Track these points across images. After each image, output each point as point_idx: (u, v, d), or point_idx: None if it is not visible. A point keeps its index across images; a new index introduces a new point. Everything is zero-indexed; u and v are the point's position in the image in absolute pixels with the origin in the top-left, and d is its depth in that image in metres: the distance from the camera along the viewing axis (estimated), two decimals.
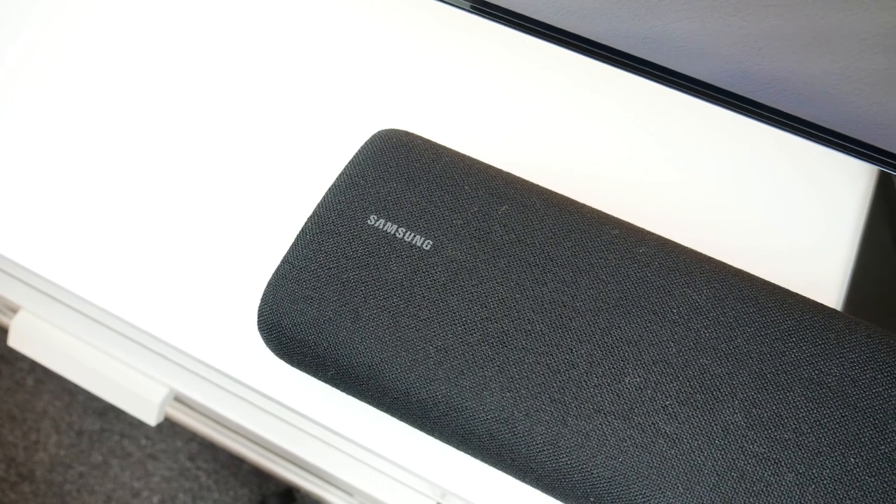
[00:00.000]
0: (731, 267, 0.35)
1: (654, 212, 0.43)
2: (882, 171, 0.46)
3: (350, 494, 0.75)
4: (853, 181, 0.45)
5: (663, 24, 0.35)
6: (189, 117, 0.47)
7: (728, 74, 0.35)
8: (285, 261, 0.35)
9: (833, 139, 0.38)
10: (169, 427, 1.04)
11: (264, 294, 0.35)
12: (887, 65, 0.32)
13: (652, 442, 0.31)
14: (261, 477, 1.02)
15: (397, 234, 0.35)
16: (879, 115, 0.34)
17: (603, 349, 0.32)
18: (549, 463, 0.31)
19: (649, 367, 0.32)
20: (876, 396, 0.32)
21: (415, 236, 0.35)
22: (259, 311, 0.35)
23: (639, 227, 0.36)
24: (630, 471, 0.31)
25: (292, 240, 0.37)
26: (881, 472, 0.30)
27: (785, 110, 0.36)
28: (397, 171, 0.36)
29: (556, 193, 0.37)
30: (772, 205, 0.44)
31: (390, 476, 0.59)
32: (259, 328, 0.35)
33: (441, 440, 0.34)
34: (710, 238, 0.43)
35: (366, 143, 0.38)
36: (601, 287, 0.34)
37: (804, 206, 0.45)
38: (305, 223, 0.36)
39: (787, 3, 0.31)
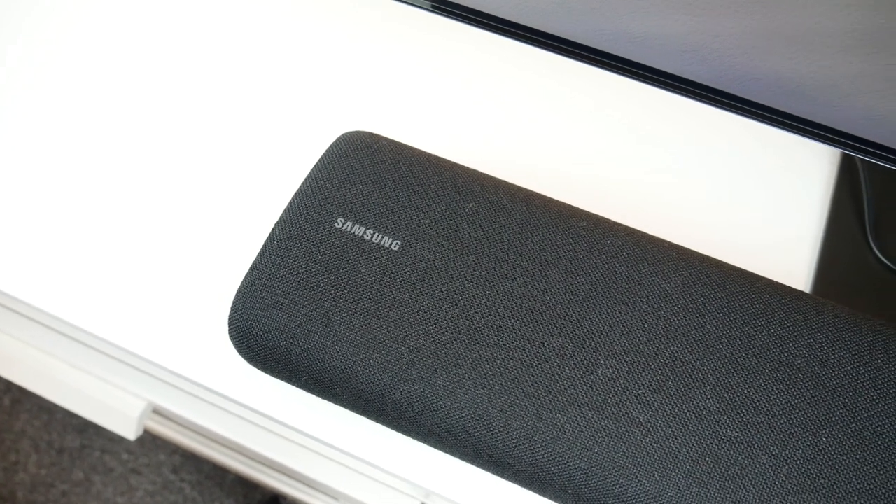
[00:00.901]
0: (698, 254, 0.35)
1: (621, 203, 0.44)
2: (844, 154, 0.46)
3: (335, 499, 0.75)
4: (817, 165, 0.46)
5: (620, 18, 0.35)
6: (153, 128, 0.46)
7: (688, 63, 0.35)
8: (254, 268, 0.35)
9: (793, 123, 0.38)
10: (150, 440, 1.03)
11: (234, 302, 0.34)
12: (839, 47, 0.32)
13: (626, 431, 0.31)
14: (246, 486, 1.02)
15: (365, 236, 0.35)
16: (834, 97, 0.35)
17: (574, 341, 0.32)
18: (525, 457, 0.31)
19: (621, 357, 0.32)
20: (845, 376, 0.32)
21: (383, 237, 0.35)
22: (229, 319, 0.35)
23: (606, 219, 0.36)
24: (606, 461, 0.31)
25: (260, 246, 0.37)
26: (852, 449, 0.31)
27: (743, 96, 0.37)
28: (363, 173, 0.36)
29: (522, 188, 0.37)
30: (738, 191, 0.45)
31: (373, 478, 0.59)
32: (230, 337, 0.35)
33: (418, 440, 0.34)
34: (678, 227, 0.43)
35: (331, 146, 0.38)
36: (570, 280, 0.34)
37: (770, 192, 0.45)
38: (272, 229, 0.35)
39: None
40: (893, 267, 0.42)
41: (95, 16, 0.50)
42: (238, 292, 0.34)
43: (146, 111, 0.47)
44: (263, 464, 0.77)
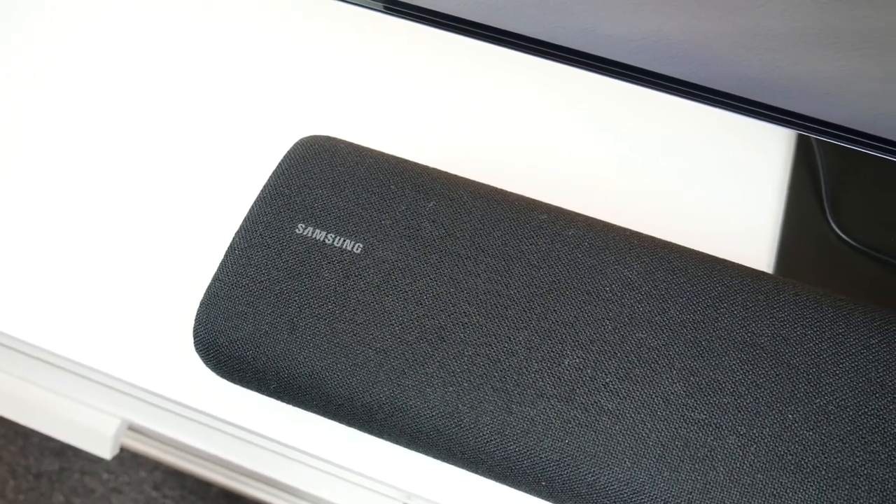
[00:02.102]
0: (660, 240, 0.36)
1: (582, 194, 0.44)
2: (800, 135, 0.47)
3: None
4: (774, 147, 0.47)
5: (565, 8, 0.35)
6: (109, 143, 0.46)
7: (637, 52, 0.36)
8: (216, 278, 0.34)
9: (746, 106, 0.38)
10: (130, 458, 1.02)
11: (198, 314, 0.34)
12: (784, 28, 0.33)
13: (596, 420, 0.31)
14: (230, 499, 1.01)
15: (327, 241, 0.35)
16: (783, 79, 0.35)
17: (540, 334, 0.33)
18: (497, 452, 0.31)
19: (587, 347, 0.32)
20: (807, 352, 0.32)
21: (344, 241, 0.35)
22: (194, 331, 0.34)
23: (567, 210, 0.36)
24: (577, 451, 0.31)
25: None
26: (818, 424, 0.31)
27: (694, 81, 0.37)
28: (321, 178, 0.36)
29: (482, 184, 0.37)
30: (696, 177, 0.45)
31: (356, 483, 0.58)
32: (196, 348, 0.34)
33: (391, 441, 0.34)
34: (640, 215, 0.44)
35: (288, 151, 0.38)
36: (534, 273, 0.34)
37: (728, 176, 0.45)
38: (233, 238, 0.35)
39: None
40: (852, 242, 0.43)
41: (31, 32, 0.50)
42: (201, 304, 0.34)
43: (99, 124, 0.46)
44: (246, 475, 0.77)
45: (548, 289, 0.34)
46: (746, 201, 0.45)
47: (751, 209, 0.45)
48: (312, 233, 0.35)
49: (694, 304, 0.33)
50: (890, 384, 0.32)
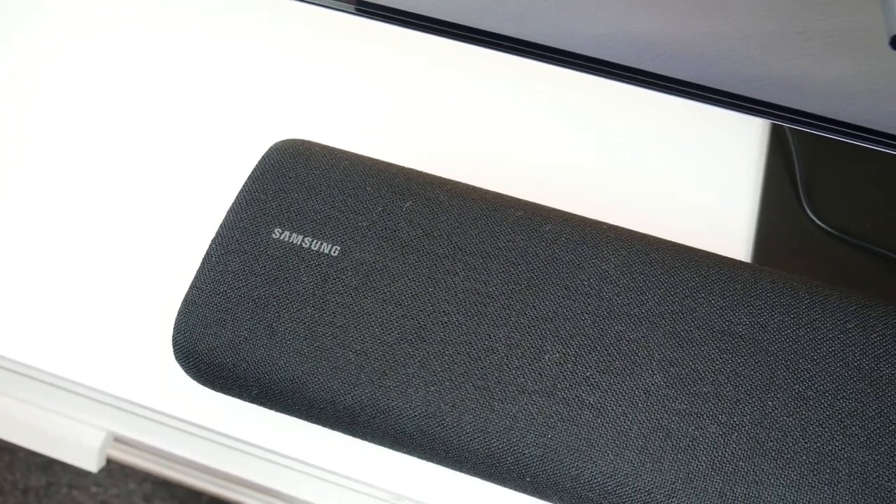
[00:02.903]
0: (636, 233, 0.36)
1: (559, 189, 0.44)
2: (773, 124, 0.47)
3: None
4: (747, 136, 0.47)
5: (534, 4, 0.35)
6: (80, 152, 0.45)
7: (608, 46, 0.36)
8: (193, 286, 0.34)
9: (718, 97, 0.39)
10: (118, 470, 1.01)
11: (176, 322, 0.34)
12: (752, 20, 0.33)
13: (578, 414, 0.31)
14: None
15: (304, 245, 0.34)
16: (755, 68, 0.35)
17: (520, 330, 0.33)
18: (481, 450, 0.31)
19: (567, 342, 0.32)
20: (785, 339, 0.33)
21: (321, 244, 0.34)
22: (173, 340, 0.34)
23: (544, 206, 0.36)
24: (560, 445, 0.31)
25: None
26: (797, 410, 0.31)
27: (666, 74, 0.37)
28: (297, 181, 0.36)
29: (458, 183, 0.37)
30: (672, 169, 0.46)
31: (344, 486, 0.58)
32: (176, 357, 0.34)
33: (375, 443, 0.34)
34: (616, 208, 0.44)
35: (263, 156, 0.37)
36: (512, 269, 0.34)
37: (704, 166, 0.46)
38: (210, 245, 0.35)
39: None
40: (827, 228, 0.43)
41: None
42: (179, 312, 0.34)
43: (70, 134, 0.46)
44: (235, 483, 0.76)
45: (526, 285, 0.34)
46: (723, 191, 0.45)
47: (727, 199, 0.45)
48: (289, 237, 0.35)
49: (672, 295, 0.33)
50: (867, 367, 0.32)
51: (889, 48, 0.31)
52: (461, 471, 0.33)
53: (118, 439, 0.66)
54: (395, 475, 0.38)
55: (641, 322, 0.33)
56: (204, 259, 0.35)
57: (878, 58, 0.33)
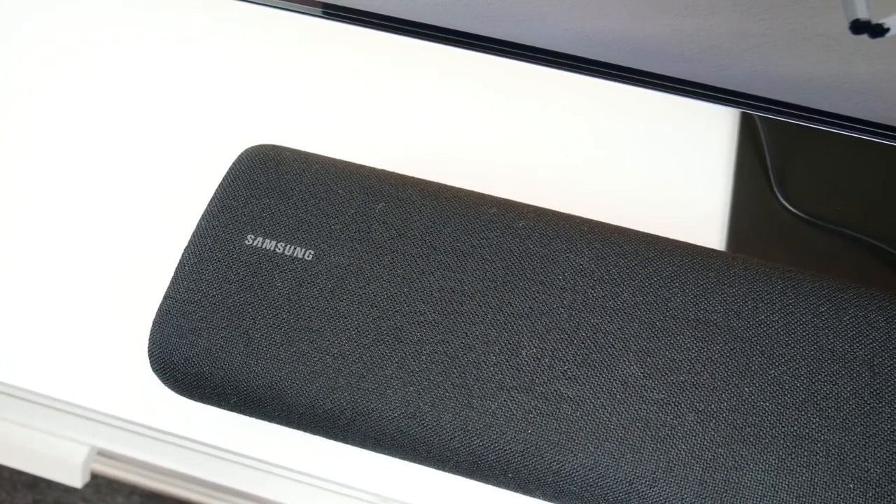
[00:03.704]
0: (610, 225, 0.36)
1: (531, 185, 0.44)
2: (743, 113, 0.47)
3: None
4: (718, 126, 0.47)
5: (499, 1, 0.35)
6: (46, 163, 0.45)
7: (570, 40, 0.36)
8: (167, 296, 0.34)
9: (687, 88, 0.39)
10: (106, 485, 1.00)
11: (151, 333, 0.34)
12: (712, 8, 0.33)
13: (557, 408, 0.31)
14: None
15: (277, 250, 0.34)
16: (720, 58, 0.36)
17: (497, 327, 0.33)
18: (462, 448, 0.31)
19: (543, 336, 0.32)
20: (759, 325, 0.33)
21: (295, 249, 0.34)
22: (149, 351, 0.34)
23: (517, 202, 0.37)
24: (541, 440, 0.31)
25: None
26: (774, 395, 0.32)
27: (632, 66, 0.37)
28: (268, 187, 0.36)
29: (431, 182, 0.37)
30: (645, 161, 0.46)
31: (331, 491, 0.58)
32: (152, 368, 0.34)
33: (357, 446, 0.34)
34: (590, 202, 0.44)
35: (234, 163, 0.37)
36: (487, 267, 0.34)
37: (676, 157, 0.46)
38: (182, 254, 0.35)
39: None
40: (799, 214, 0.43)
41: None
42: (154, 322, 0.34)
43: (34, 144, 0.45)
44: (223, 492, 0.76)
45: (501, 282, 0.34)
46: (696, 181, 0.45)
47: (700, 189, 0.45)
48: (262, 243, 0.35)
49: (646, 286, 0.34)
50: (840, 350, 0.32)
51: (849, 33, 0.32)
52: (444, 470, 0.33)
53: (102, 453, 0.66)
54: (381, 478, 0.37)
55: (617, 314, 0.33)
56: (177, 268, 0.35)
57: (839, 43, 0.33)
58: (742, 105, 0.41)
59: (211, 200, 0.36)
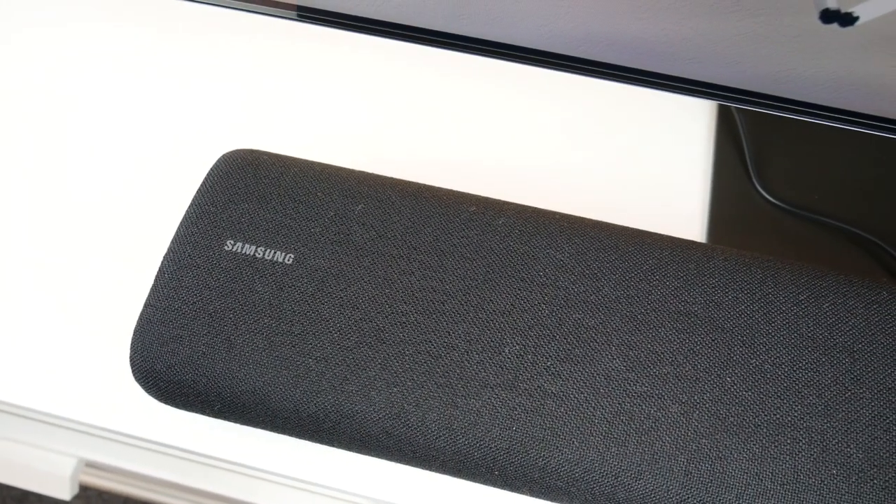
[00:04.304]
0: (589, 220, 0.36)
1: (510, 182, 0.44)
2: (720, 105, 0.48)
3: None
4: (696, 119, 0.47)
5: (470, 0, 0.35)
6: (22, 171, 0.44)
7: (544, 36, 0.36)
8: (147, 304, 0.34)
9: (664, 81, 0.39)
10: (96, 496, 1.00)
11: (132, 342, 0.34)
12: (683, 2, 0.33)
13: (541, 405, 0.31)
14: None
15: (257, 255, 0.34)
16: (692, 50, 0.36)
17: (479, 325, 0.33)
18: (448, 447, 0.31)
19: (526, 333, 0.33)
20: (740, 315, 0.33)
21: (275, 253, 0.34)
22: (131, 359, 0.34)
23: (496, 200, 0.37)
24: (526, 437, 0.31)
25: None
26: (756, 384, 0.32)
27: (606, 61, 0.38)
28: (246, 191, 0.36)
29: (410, 183, 0.37)
30: (625, 155, 0.46)
31: (322, 495, 0.58)
32: (135, 377, 0.34)
33: (343, 448, 0.34)
34: (571, 198, 0.44)
35: (211, 168, 0.37)
36: (467, 265, 0.34)
37: (656, 151, 0.46)
38: (162, 262, 0.35)
39: None
40: (778, 203, 0.44)
41: None
42: (135, 331, 0.34)
43: (12, 152, 0.45)
44: (214, 499, 0.76)
45: (483, 280, 0.34)
46: (675, 174, 0.46)
47: (680, 181, 0.45)
48: (242, 248, 0.34)
49: (627, 280, 0.34)
50: (820, 337, 0.33)
51: (819, 22, 0.32)
52: (430, 469, 0.33)
53: (90, 465, 0.65)
54: (370, 480, 0.37)
55: (598, 308, 0.33)
56: (157, 276, 0.34)
57: (810, 33, 0.33)
58: (718, 97, 0.41)
59: (189, 207, 0.36)
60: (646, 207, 0.44)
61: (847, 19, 0.32)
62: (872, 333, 0.33)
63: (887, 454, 0.30)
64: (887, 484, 0.30)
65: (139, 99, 0.47)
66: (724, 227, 0.44)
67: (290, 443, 0.38)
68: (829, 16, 0.32)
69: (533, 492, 0.32)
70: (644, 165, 0.46)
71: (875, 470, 0.30)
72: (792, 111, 0.40)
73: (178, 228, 0.35)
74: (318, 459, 0.38)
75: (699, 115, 0.47)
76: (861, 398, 0.32)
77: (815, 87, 0.38)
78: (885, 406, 0.31)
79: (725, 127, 0.47)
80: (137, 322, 0.34)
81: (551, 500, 0.32)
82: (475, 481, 0.33)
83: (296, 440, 0.37)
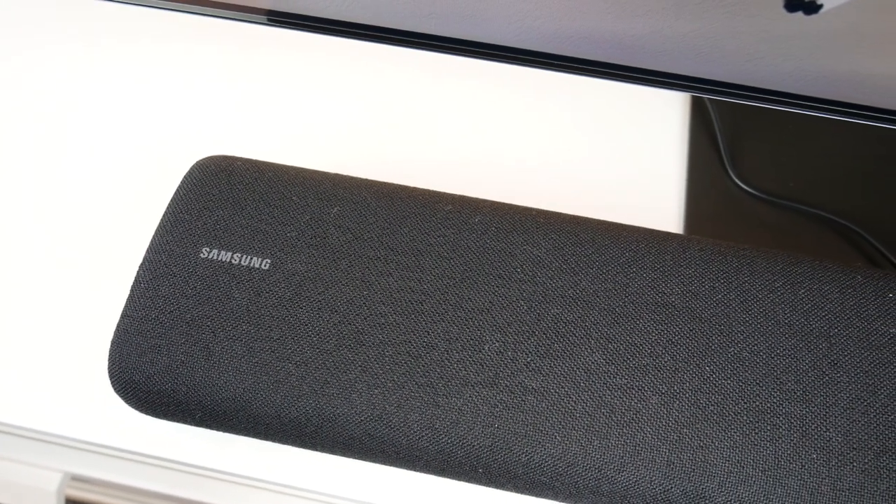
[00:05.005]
0: (566, 215, 0.36)
1: (486, 179, 0.44)
2: (693, 96, 0.48)
3: None
4: (670, 111, 0.48)
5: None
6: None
7: (517, 34, 0.36)
8: (124, 315, 0.34)
9: (635, 75, 0.39)
10: None
11: (110, 354, 0.33)
12: None
13: (522, 400, 0.31)
14: None
15: (233, 261, 0.34)
16: (660, 43, 0.36)
17: (458, 324, 0.33)
18: (431, 447, 0.31)
19: (505, 330, 0.33)
20: (716, 304, 0.33)
21: (251, 259, 0.34)
22: (109, 371, 0.33)
23: (472, 198, 0.37)
24: (508, 434, 0.31)
25: None
26: (734, 372, 0.32)
27: (578, 56, 0.38)
28: (221, 198, 0.36)
29: (386, 183, 0.37)
30: (600, 149, 0.46)
31: (311, 499, 0.58)
32: (114, 388, 0.34)
33: (327, 452, 0.34)
34: (547, 193, 0.44)
35: (185, 176, 0.37)
36: (445, 264, 0.34)
37: (631, 145, 0.46)
38: (138, 272, 0.34)
39: None
40: (753, 192, 0.44)
41: None
42: (112, 343, 0.33)
43: None
44: None
45: (460, 278, 0.34)
46: (651, 167, 0.46)
47: (656, 174, 0.46)
48: (218, 255, 0.34)
49: (604, 273, 0.34)
50: (797, 323, 0.33)
51: (784, 11, 0.32)
52: (414, 470, 0.33)
53: (76, 478, 0.65)
54: (357, 483, 0.37)
55: (577, 302, 0.33)
56: (133, 286, 0.34)
57: (777, 21, 0.34)
58: (689, 89, 0.41)
59: (164, 215, 0.36)
60: (622, 200, 0.44)
61: (811, 7, 0.32)
62: (848, 318, 0.33)
63: (866, 436, 0.31)
64: (866, 466, 0.30)
65: (110, 109, 0.47)
66: (701, 217, 0.44)
67: (275, 449, 0.38)
68: (794, 4, 0.33)
69: (517, 488, 0.32)
70: (619, 159, 0.46)
71: (854, 453, 0.31)
72: (763, 100, 0.41)
73: (153, 237, 0.35)
74: (304, 464, 0.38)
75: (673, 108, 0.48)
76: (838, 382, 0.32)
77: (783, 75, 0.38)
78: (862, 389, 0.32)
79: (699, 118, 0.47)
80: (114, 333, 0.34)
81: (536, 495, 0.32)
82: (460, 480, 0.33)
83: (280, 446, 0.37)
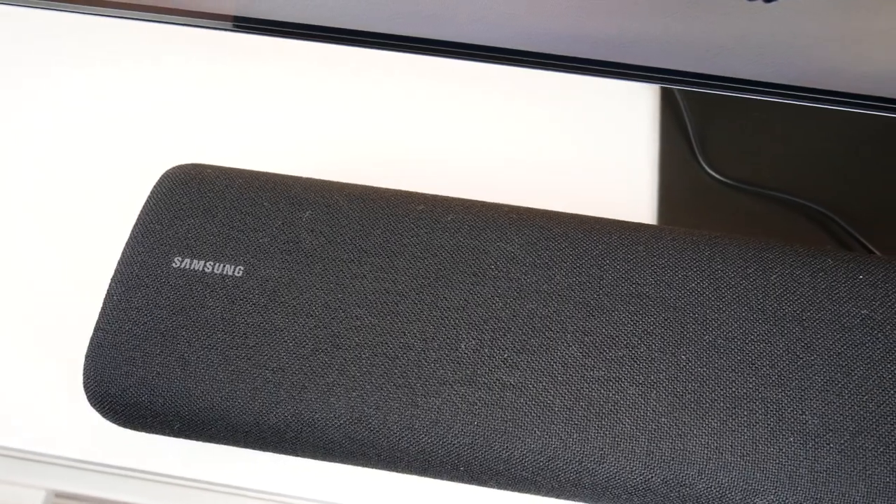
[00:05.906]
0: (538, 210, 0.36)
1: (458, 178, 0.44)
2: (663, 87, 0.48)
3: None
4: (640, 103, 0.48)
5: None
6: None
7: (483, 31, 0.36)
8: (98, 328, 0.33)
9: (603, 68, 0.39)
10: None
11: (85, 367, 0.33)
12: None
13: (500, 397, 0.31)
14: None
15: (206, 269, 0.34)
16: (627, 35, 0.36)
17: (434, 323, 0.33)
18: (411, 447, 0.31)
19: (481, 327, 0.33)
20: (690, 292, 0.34)
21: (224, 266, 0.34)
22: (84, 385, 0.33)
23: (444, 197, 0.37)
24: (488, 431, 0.31)
25: None
26: (710, 359, 0.32)
27: (545, 51, 0.38)
28: (191, 206, 0.35)
29: (357, 186, 0.37)
30: (571, 143, 0.46)
31: None
32: (90, 402, 0.33)
33: (308, 457, 0.33)
34: (520, 189, 0.44)
35: (154, 186, 0.37)
36: (419, 264, 0.34)
37: (602, 138, 0.47)
38: (109, 284, 0.34)
39: None
40: (724, 180, 0.44)
41: None
42: (87, 356, 0.33)
43: None
44: None
45: (434, 277, 0.34)
46: (622, 159, 0.46)
47: (628, 166, 0.46)
48: (190, 264, 0.34)
49: (578, 267, 0.34)
50: (770, 308, 0.33)
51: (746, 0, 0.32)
52: (396, 471, 0.33)
53: (59, 495, 0.64)
54: (340, 487, 0.37)
55: (551, 297, 0.33)
56: (105, 298, 0.34)
57: (737, 9, 0.34)
58: (657, 80, 0.41)
59: (134, 226, 0.35)
60: (596, 194, 0.45)
61: None
62: (820, 301, 0.33)
63: (841, 418, 0.31)
64: (843, 447, 0.31)
65: (76, 121, 0.47)
66: (674, 207, 0.44)
67: (256, 457, 0.38)
68: None
69: (500, 484, 0.32)
70: (591, 152, 0.46)
71: (831, 434, 0.31)
72: (731, 89, 0.41)
73: (124, 249, 0.35)
74: (286, 470, 0.37)
75: (642, 99, 0.48)
76: (813, 365, 0.32)
77: (749, 63, 0.39)
78: (835, 371, 0.32)
79: (669, 109, 0.48)
80: (88, 347, 0.33)
81: (519, 491, 0.32)
82: (442, 478, 0.33)
83: (262, 453, 0.37)
